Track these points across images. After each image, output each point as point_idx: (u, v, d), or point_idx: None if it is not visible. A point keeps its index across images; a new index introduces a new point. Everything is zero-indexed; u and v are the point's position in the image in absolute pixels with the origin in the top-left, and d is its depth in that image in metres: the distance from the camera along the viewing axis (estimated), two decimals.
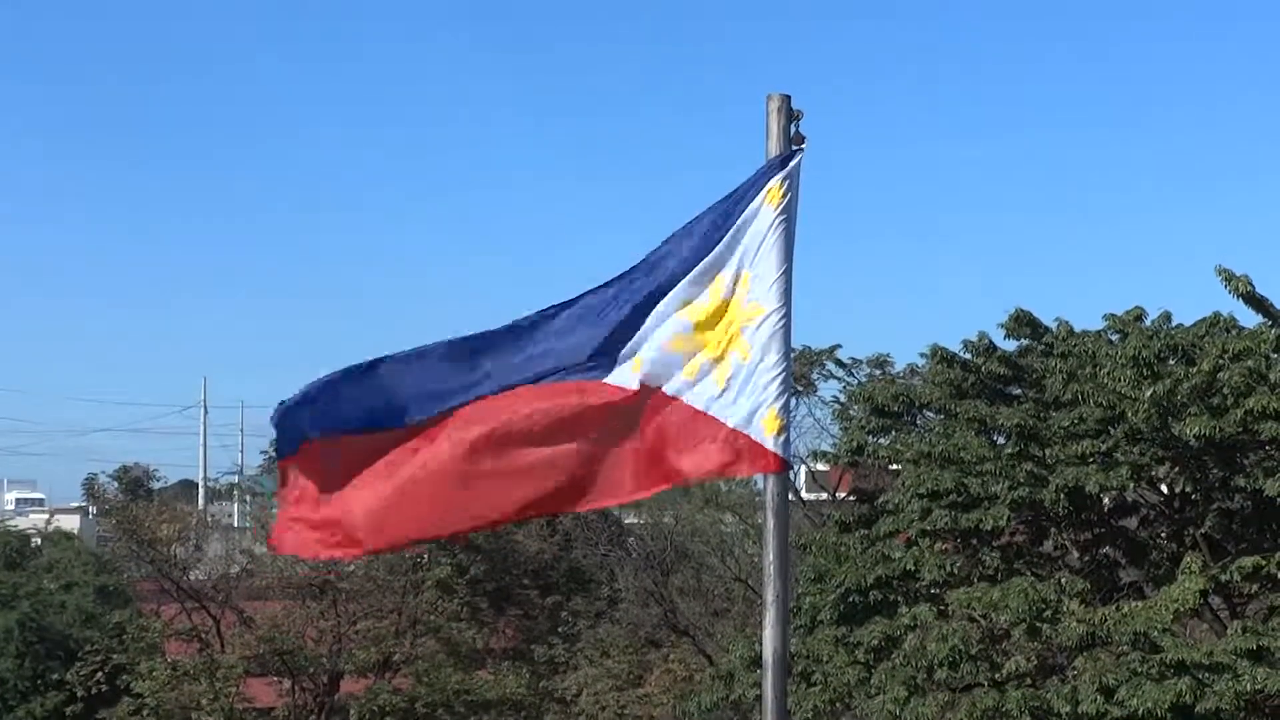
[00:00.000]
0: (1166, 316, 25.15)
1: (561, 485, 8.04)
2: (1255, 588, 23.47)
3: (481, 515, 8.20)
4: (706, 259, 8.07)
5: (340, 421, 8.02)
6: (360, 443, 8.04)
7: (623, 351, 8.07)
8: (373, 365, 8.06)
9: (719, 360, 8.01)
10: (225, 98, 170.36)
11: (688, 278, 8.07)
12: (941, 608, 23.25)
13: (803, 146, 8.09)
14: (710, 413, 7.99)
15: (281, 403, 8.06)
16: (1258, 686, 20.56)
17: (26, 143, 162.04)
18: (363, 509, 8.05)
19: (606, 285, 8.13)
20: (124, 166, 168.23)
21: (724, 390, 7.99)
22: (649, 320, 8.08)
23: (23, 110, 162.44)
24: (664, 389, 8.05)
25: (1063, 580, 22.96)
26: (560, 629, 42.94)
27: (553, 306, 8.13)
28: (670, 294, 8.08)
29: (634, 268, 8.14)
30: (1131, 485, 23.80)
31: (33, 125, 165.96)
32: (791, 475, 9.51)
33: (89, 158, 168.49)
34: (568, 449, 8.00)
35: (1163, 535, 25.47)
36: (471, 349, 8.09)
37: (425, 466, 7.99)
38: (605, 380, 8.05)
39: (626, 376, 8.07)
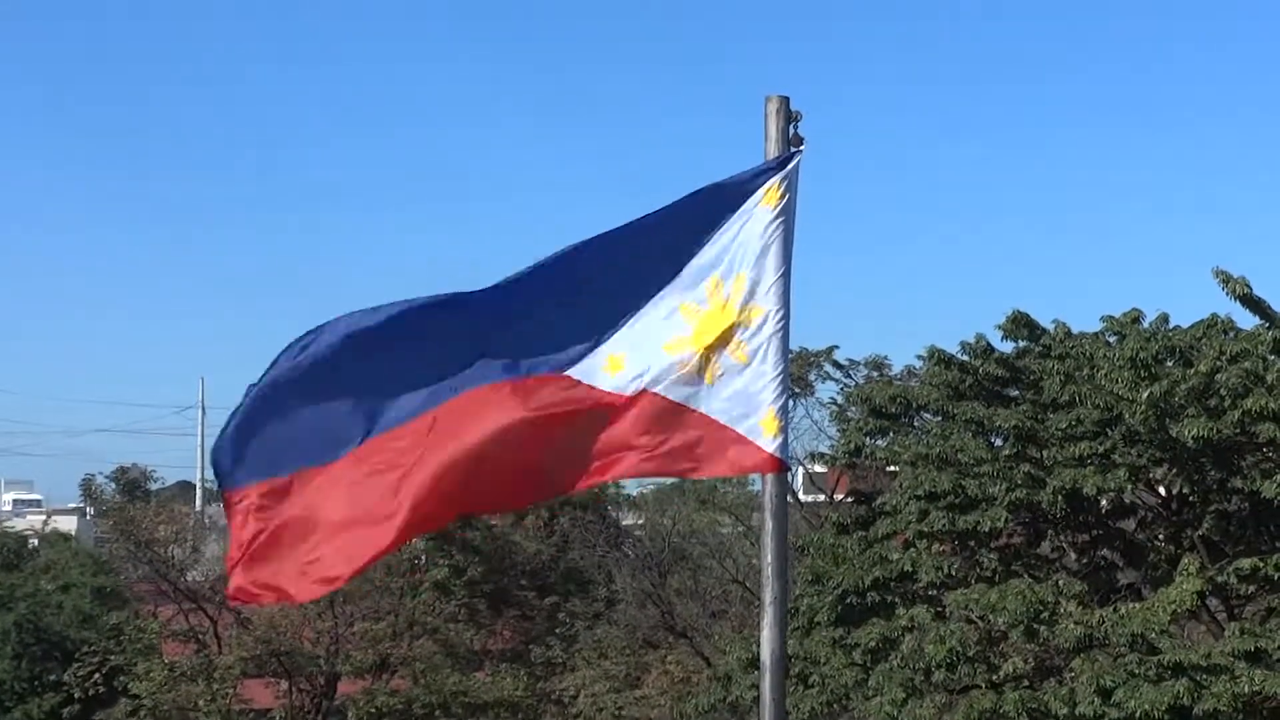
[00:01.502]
0: (1164, 318, 25.15)
1: (541, 480, 8.00)
2: (1253, 589, 23.47)
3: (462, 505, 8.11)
4: (702, 260, 8.03)
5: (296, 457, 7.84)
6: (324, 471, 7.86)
7: (598, 346, 7.94)
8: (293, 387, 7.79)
9: (710, 360, 7.98)
10: (223, 100, 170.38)
11: (682, 278, 8.02)
12: (939, 609, 23.25)
13: (801, 148, 8.08)
14: (703, 411, 7.96)
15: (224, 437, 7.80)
16: (1255, 688, 20.55)
17: (24, 145, 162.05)
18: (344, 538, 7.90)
19: (570, 263, 7.91)
20: (121, 168, 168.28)
21: (714, 389, 7.96)
22: (631, 318, 8.01)
23: (20, 113, 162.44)
24: (658, 391, 7.99)
25: (1060, 582, 22.96)
26: (558, 630, 42.93)
27: (507, 283, 7.88)
28: (662, 293, 8.02)
29: (603, 248, 7.96)
30: (1129, 487, 23.79)
31: (31, 127, 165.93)
32: (789, 477, 9.47)
33: (86, 159, 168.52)
34: (546, 449, 7.92)
35: (1160, 537, 25.46)
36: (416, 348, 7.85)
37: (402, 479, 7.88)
38: (573, 375, 7.92)
39: (599, 375, 7.95)
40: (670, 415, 7.96)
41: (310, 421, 7.81)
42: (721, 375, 7.95)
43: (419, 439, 7.81)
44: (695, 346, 7.98)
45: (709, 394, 7.97)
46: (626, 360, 7.98)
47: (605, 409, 7.92)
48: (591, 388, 7.94)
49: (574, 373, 7.94)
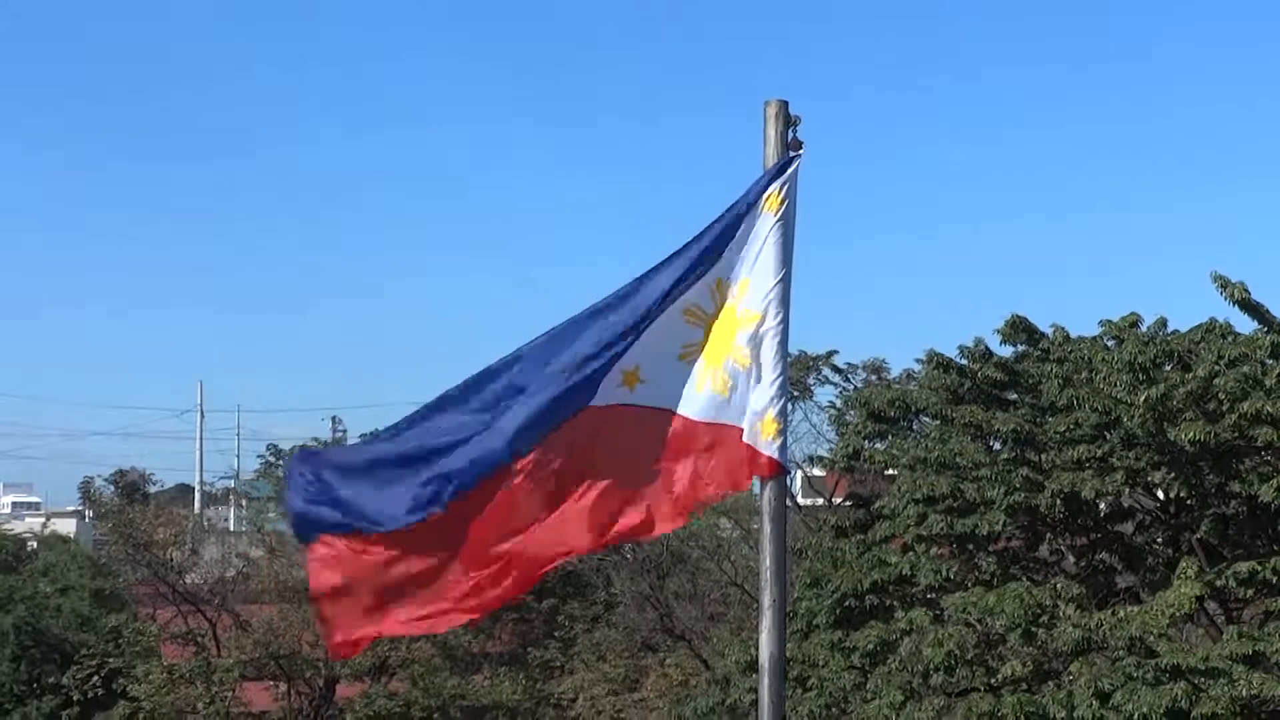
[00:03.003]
0: (1162, 322, 25.17)
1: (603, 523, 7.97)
2: (1251, 593, 23.45)
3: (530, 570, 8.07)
4: (708, 271, 8.04)
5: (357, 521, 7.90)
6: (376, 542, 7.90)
7: (613, 367, 7.96)
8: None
9: (720, 369, 7.98)
10: (223, 101, 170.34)
11: (688, 285, 8.04)
12: (937, 612, 23.24)
13: (800, 152, 8.09)
14: (721, 422, 7.97)
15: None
16: (1253, 691, 20.54)
17: (22, 146, 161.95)
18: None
19: (592, 314, 8.00)
20: (121, 169, 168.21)
21: (728, 399, 7.97)
22: (646, 333, 8.01)
23: (16, 113, 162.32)
24: (681, 411, 7.98)
25: (1058, 585, 22.95)
26: (556, 633, 42.90)
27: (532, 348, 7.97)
28: (670, 302, 8.03)
29: (621, 293, 8.03)
30: (1127, 490, 23.80)
31: (30, 129, 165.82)
32: (788, 480, 9.45)
33: (86, 161, 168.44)
34: (595, 486, 7.94)
35: (1158, 540, 25.47)
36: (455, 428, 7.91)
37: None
38: (597, 405, 7.97)
39: (619, 393, 7.99)
40: (690, 435, 7.97)
41: (384, 486, 7.89)
42: (731, 384, 7.97)
43: (473, 513, 7.87)
44: (705, 355, 7.99)
45: (720, 404, 7.98)
46: (642, 371, 7.99)
47: (630, 426, 7.94)
48: (613, 406, 7.95)
49: (598, 402, 7.96)
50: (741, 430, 7.94)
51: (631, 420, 7.96)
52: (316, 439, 49.33)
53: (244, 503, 56.30)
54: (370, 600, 7.85)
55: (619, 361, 7.96)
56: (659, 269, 8.03)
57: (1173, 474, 23.85)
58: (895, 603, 24.15)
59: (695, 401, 7.99)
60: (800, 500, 42.05)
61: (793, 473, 39.79)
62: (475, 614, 8.04)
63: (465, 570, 7.86)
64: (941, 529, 23.66)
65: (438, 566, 7.85)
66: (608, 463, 7.93)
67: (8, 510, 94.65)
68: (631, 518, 7.95)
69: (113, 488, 51.45)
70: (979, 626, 22.65)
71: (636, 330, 7.96)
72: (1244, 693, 20.47)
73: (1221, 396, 22.49)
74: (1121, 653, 21.19)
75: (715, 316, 8.02)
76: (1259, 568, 22.37)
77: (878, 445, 26.20)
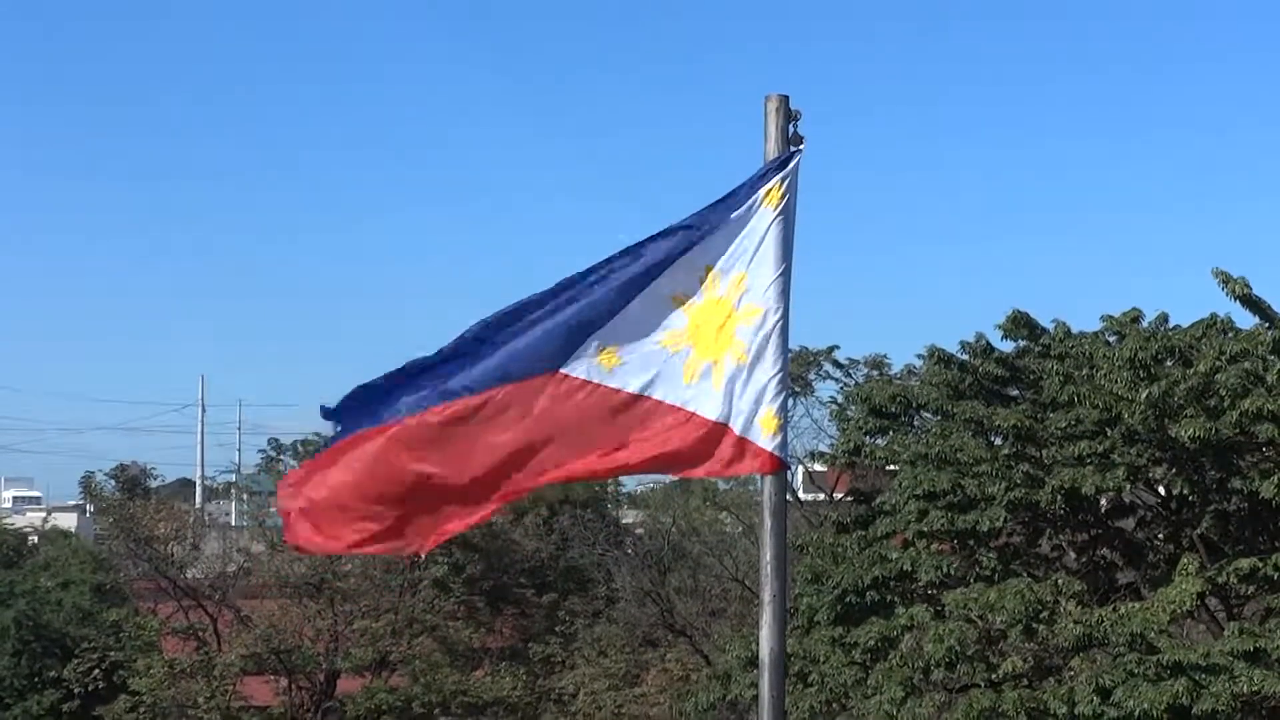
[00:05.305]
0: (1163, 318, 25.17)
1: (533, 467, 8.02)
2: (1252, 589, 23.47)
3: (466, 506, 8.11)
4: (696, 255, 8.03)
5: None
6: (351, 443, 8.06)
7: (589, 340, 7.98)
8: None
9: (716, 363, 7.97)
10: (226, 103, 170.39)
11: (676, 267, 8.02)
12: (938, 608, 23.25)
13: (801, 147, 8.09)
14: (709, 417, 7.97)
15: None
16: (1254, 688, 20.56)
17: (22, 144, 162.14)
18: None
19: (583, 275, 8.02)
20: (122, 166, 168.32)
21: (721, 393, 7.97)
22: (626, 310, 8.02)
23: (19, 112, 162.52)
24: (661, 397, 7.98)
25: (1059, 581, 22.96)
26: (557, 628, 42.94)
27: (523, 304, 8.02)
28: (652, 285, 8.02)
29: (613, 258, 8.03)
30: (1128, 486, 23.81)
31: (27, 125, 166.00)
32: (789, 476, 9.44)
33: (87, 159, 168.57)
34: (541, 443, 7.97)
35: (1159, 536, 25.48)
36: (444, 357, 8.02)
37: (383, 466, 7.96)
38: (566, 371, 7.98)
39: (594, 369, 8.00)
40: (670, 416, 7.97)
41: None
42: (727, 379, 7.96)
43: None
44: (693, 342, 7.99)
45: (711, 395, 7.98)
46: (620, 353, 7.99)
47: (603, 402, 7.95)
48: (585, 381, 7.96)
49: (568, 369, 7.97)
50: (718, 423, 7.95)
51: (596, 399, 7.97)
52: (318, 434, 49.25)
53: (245, 497, 56.17)
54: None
55: (596, 335, 7.97)
56: (643, 246, 8.02)
57: (1174, 470, 23.87)
58: (896, 598, 24.16)
59: (679, 389, 7.99)
60: (801, 496, 42.09)
61: (794, 468, 39.81)
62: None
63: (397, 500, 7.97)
64: (942, 525, 23.66)
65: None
66: (559, 436, 7.96)
67: (9, 505, 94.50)
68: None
69: (114, 482, 51.45)
70: (980, 622, 22.65)
71: (615, 306, 7.97)
72: (1245, 689, 20.49)
73: (1223, 393, 22.49)
74: (1122, 649, 21.21)
75: (701, 304, 8.01)
76: (1260, 564, 22.38)
77: (879, 441, 26.20)
